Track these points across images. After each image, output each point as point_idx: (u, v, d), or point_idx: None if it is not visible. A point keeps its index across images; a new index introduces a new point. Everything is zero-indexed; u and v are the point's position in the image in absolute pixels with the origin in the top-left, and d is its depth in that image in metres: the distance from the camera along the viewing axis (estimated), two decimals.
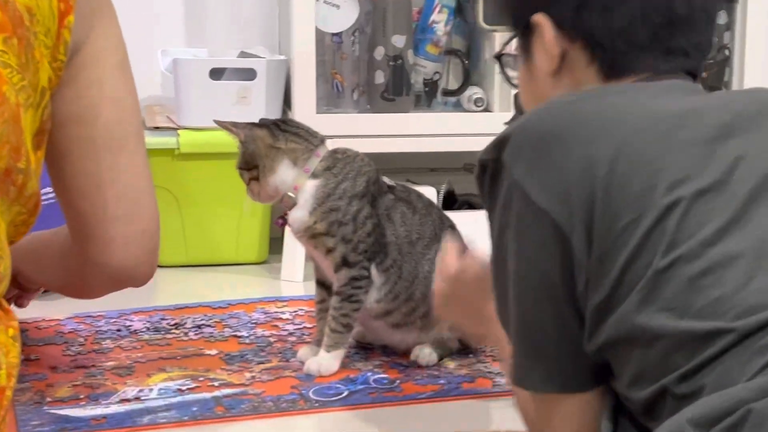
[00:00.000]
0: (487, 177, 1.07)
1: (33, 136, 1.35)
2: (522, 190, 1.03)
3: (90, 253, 1.50)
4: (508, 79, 1.28)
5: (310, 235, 1.75)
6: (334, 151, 1.78)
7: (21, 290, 1.75)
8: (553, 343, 1.06)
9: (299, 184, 1.74)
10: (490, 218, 1.09)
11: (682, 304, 0.96)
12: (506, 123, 1.35)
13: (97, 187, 1.45)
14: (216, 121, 1.78)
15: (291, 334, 1.94)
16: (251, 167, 1.74)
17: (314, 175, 1.74)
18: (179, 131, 2.37)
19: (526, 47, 1.18)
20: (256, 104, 2.36)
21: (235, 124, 1.76)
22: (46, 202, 1.48)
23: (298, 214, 1.74)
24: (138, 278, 1.53)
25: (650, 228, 0.98)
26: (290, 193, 1.74)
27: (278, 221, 1.79)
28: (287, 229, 1.81)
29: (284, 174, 1.74)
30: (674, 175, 0.99)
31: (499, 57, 1.29)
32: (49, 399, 1.61)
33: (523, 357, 1.10)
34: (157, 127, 2.39)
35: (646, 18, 1.10)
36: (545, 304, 1.05)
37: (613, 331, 1.00)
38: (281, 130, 1.76)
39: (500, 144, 1.05)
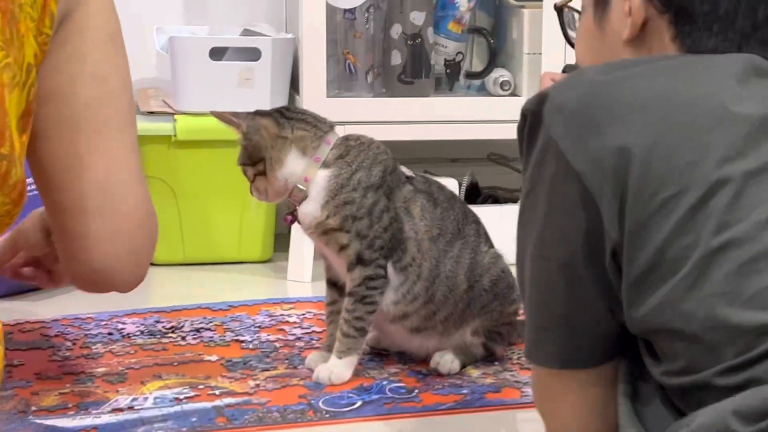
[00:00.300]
0: (526, 129, 1.09)
1: (18, 119, 1.34)
2: (557, 149, 1.04)
3: (68, 249, 1.48)
4: (566, 36, 1.28)
5: (321, 231, 1.74)
6: (347, 138, 1.77)
7: (42, 260, 1.72)
8: (565, 315, 1.09)
9: (310, 175, 1.73)
10: (523, 175, 1.11)
11: (732, 290, 0.97)
12: (566, 68, 1.35)
13: (72, 174, 1.42)
14: (213, 113, 1.77)
15: (299, 338, 1.93)
16: (256, 161, 1.73)
17: (326, 165, 1.73)
18: (176, 116, 2.36)
19: (602, 5, 1.18)
20: (260, 87, 2.35)
21: (235, 115, 1.75)
22: (31, 193, 1.47)
23: (309, 209, 1.73)
24: (118, 282, 1.48)
25: (695, 204, 0.99)
26: (300, 186, 1.73)
27: (287, 218, 1.78)
28: (295, 225, 1.80)
29: (293, 165, 1.73)
30: (724, 151, 1.00)
31: (560, 9, 1.28)
32: (34, 408, 1.61)
33: (534, 328, 1.13)
34: (151, 112, 2.39)
35: (752, 9, 1.10)
36: (562, 273, 1.07)
37: (658, 316, 1.01)
38: (286, 118, 1.76)
39: (543, 97, 1.07)
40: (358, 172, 1.73)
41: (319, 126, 1.76)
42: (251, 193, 1.77)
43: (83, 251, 1.45)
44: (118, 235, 1.44)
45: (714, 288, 0.98)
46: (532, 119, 1.08)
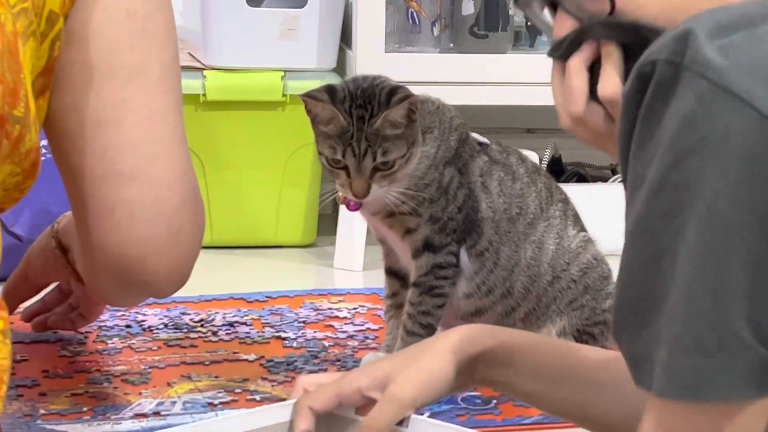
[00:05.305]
0: (651, 90, 0.89)
1: (36, 76, 1.33)
2: (750, 105, 0.85)
3: (92, 231, 1.45)
4: None
5: (387, 214, 1.73)
6: (422, 103, 1.72)
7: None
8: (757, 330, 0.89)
9: None
10: (634, 162, 0.93)
11: None
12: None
13: (100, 129, 1.40)
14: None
15: (351, 337, 1.94)
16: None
17: None
18: (205, 73, 2.37)
19: None
20: (305, 39, 2.36)
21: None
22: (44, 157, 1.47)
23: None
24: (155, 276, 1.45)
25: None
26: None
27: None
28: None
29: None
30: None
31: None
32: (43, 411, 1.61)
33: (696, 350, 0.91)
34: None
35: None
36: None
37: None
38: None
39: (686, 39, 0.87)
40: (442, 145, 1.73)
41: None
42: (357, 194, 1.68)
43: (112, 231, 1.42)
44: (156, 209, 1.42)
45: None
46: (669, 72, 0.88)
